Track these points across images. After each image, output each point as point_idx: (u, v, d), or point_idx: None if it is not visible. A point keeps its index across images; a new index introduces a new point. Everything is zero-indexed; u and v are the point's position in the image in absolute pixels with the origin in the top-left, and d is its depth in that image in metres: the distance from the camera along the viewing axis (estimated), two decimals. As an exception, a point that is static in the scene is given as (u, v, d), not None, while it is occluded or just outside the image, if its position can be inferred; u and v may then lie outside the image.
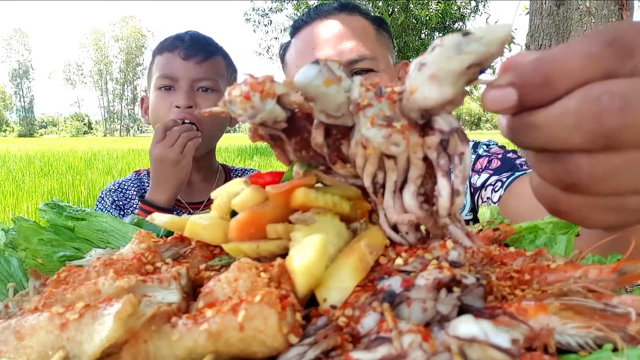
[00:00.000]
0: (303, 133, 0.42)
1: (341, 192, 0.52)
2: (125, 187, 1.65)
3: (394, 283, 0.40)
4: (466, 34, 0.33)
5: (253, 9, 18.00)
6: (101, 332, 0.35)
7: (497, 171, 1.09)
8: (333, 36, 1.22)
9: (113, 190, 1.62)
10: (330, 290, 0.42)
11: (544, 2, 3.69)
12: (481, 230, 0.63)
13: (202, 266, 0.55)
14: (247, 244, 0.49)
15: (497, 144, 1.19)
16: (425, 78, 0.34)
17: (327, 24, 1.26)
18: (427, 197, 0.41)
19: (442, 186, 0.38)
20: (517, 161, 1.09)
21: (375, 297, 0.40)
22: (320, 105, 0.38)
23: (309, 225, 0.47)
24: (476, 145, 1.21)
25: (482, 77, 0.36)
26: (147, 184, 1.65)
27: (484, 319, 0.34)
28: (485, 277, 0.42)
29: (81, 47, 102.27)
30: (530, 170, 1.01)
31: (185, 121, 1.45)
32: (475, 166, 1.15)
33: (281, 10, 17.07)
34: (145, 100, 1.65)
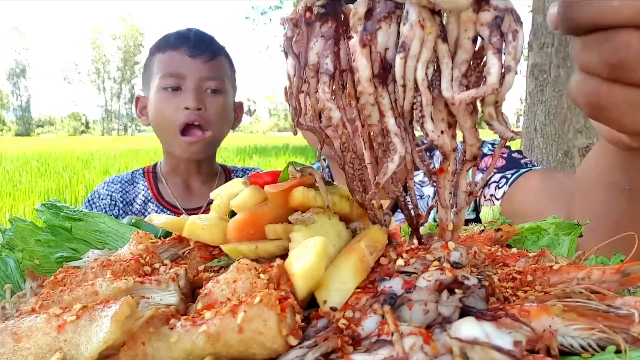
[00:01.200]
0: (339, 24, 0.40)
1: (340, 192, 0.52)
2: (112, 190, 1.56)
3: (395, 285, 0.40)
4: None
5: (252, 7, 18.03)
6: (99, 334, 0.35)
7: (501, 169, 1.09)
8: None
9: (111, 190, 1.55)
10: (330, 292, 0.41)
11: (546, 0, 3.69)
12: (483, 230, 0.63)
13: (201, 267, 0.55)
14: (246, 244, 0.49)
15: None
16: None
17: None
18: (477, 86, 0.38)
19: (492, 64, 0.34)
20: (522, 160, 1.10)
21: (376, 299, 0.39)
22: None
23: (308, 225, 0.47)
24: (481, 144, 1.19)
25: None
26: (141, 189, 1.56)
27: (486, 321, 0.34)
28: (487, 279, 0.42)
29: (79, 45, 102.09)
30: (537, 167, 1.01)
31: (195, 123, 1.40)
32: (480, 165, 1.15)
33: (280, 8, 17.09)
34: (142, 100, 1.57)
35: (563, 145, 3.47)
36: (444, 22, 0.37)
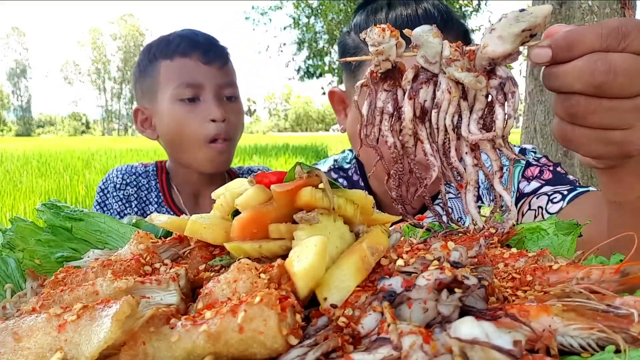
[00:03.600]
0: (397, 80, 0.61)
1: (346, 195, 0.52)
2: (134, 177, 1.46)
3: (395, 283, 0.40)
4: (522, 10, 0.51)
5: (252, 7, 17.99)
6: (99, 333, 0.35)
7: (550, 182, 1.10)
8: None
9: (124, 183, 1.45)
10: (331, 290, 0.41)
11: (546, 0, 3.69)
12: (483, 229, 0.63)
13: (202, 267, 0.55)
14: (249, 243, 0.49)
15: (545, 156, 1.21)
16: (495, 37, 0.52)
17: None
18: (486, 127, 0.58)
19: (498, 112, 0.54)
20: (570, 177, 1.11)
21: (375, 297, 0.39)
22: (423, 51, 0.56)
23: (312, 225, 0.47)
24: (524, 151, 1.23)
25: (531, 42, 0.53)
26: (153, 188, 1.47)
27: (485, 321, 0.34)
28: (486, 278, 0.42)
29: (79, 45, 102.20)
30: (592, 188, 1.01)
31: (222, 136, 1.31)
32: (526, 173, 1.16)
33: (281, 8, 17.06)
34: (144, 111, 1.44)
35: (562, 144, 3.48)
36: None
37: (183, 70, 1.34)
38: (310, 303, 0.43)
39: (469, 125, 0.56)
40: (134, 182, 1.48)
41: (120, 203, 1.44)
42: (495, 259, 0.49)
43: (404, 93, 0.59)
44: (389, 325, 0.35)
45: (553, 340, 0.34)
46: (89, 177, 8.81)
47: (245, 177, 0.57)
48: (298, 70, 17.70)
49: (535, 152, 1.22)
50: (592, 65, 0.50)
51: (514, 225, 0.60)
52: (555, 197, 1.03)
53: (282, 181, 0.52)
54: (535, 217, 1.04)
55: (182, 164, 1.43)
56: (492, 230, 0.57)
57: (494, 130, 0.54)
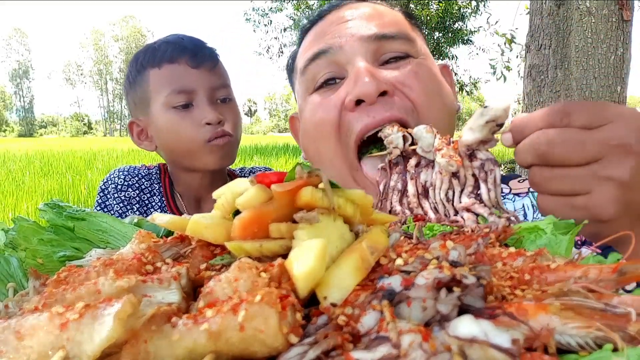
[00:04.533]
0: (405, 166, 0.79)
1: (346, 195, 0.52)
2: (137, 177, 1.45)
3: (394, 282, 0.40)
4: (485, 106, 0.64)
5: (253, 8, 18.01)
6: (101, 332, 0.35)
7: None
8: (360, 15, 1.00)
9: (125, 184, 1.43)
10: (330, 289, 0.42)
11: (544, 2, 3.68)
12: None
13: (203, 266, 0.55)
14: (250, 243, 0.49)
15: None
16: (467, 129, 0.67)
17: (351, 6, 1.03)
18: (479, 197, 0.70)
19: (482, 187, 0.69)
20: None
21: (374, 296, 0.40)
22: (421, 143, 0.74)
23: (312, 224, 0.47)
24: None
25: (500, 130, 0.66)
26: (156, 192, 1.45)
27: (484, 319, 0.34)
28: (485, 276, 0.42)
29: (81, 47, 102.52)
30: None
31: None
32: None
33: (281, 10, 17.07)
34: (139, 123, 1.41)
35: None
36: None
37: (172, 77, 1.31)
38: (310, 302, 0.43)
39: (460, 197, 0.71)
40: (136, 184, 1.46)
41: (121, 204, 1.43)
42: (494, 258, 0.49)
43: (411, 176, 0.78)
44: (388, 324, 0.35)
45: (551, 339, 0.35)
46: (91, 177, 8.83)
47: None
48: (299, 71, 17.65)
49: None
50: (534, 139, 0.58)
51: (508, 224, 0.61)
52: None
53: (282, 181, 0.53)
54: None
55: (184, 168, 1.42)
56: (487, 230, 0.58)
57: (480, 201, 0.69)
